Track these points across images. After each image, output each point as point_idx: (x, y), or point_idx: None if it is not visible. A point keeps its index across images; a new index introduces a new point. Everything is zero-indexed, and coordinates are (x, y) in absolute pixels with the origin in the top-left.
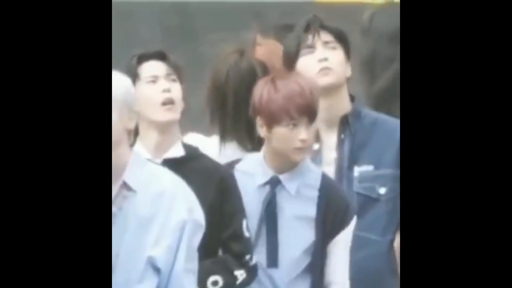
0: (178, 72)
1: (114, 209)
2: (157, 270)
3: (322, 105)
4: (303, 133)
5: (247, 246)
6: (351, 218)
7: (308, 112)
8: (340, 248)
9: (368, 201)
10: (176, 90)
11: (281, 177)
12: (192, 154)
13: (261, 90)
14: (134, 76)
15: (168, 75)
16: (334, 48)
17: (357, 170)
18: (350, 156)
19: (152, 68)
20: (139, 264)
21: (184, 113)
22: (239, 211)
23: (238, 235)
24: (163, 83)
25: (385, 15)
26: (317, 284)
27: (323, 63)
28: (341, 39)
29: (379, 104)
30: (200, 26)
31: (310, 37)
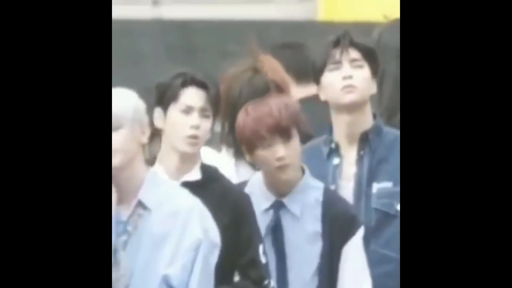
0: (214, 106)
1: (129, 227)
2: None
3: (344, 121)
4: (279, 151)
5: (265, 271)
6: (357, 228)
7: (279, 130)
8: (349, 261)
9: (386, 217)
10: (205, 127)
11: (284, 200)
12: (209, 176)
13: (238, 118)
14: (174, 97)
15: (203, 110)
16: (360, 66)
17: (375, 187)
18: (369, 173)
19: (191, 97)
20: (153, 283)
21: None
22: (255, 236)
23: (255, 261)
24: (195, 118)
25: (392, 33)
26: None
27: (347, 80)
28: (369, 57)
29: (389, 120)
30: (200, 44)
31: (338, 52)
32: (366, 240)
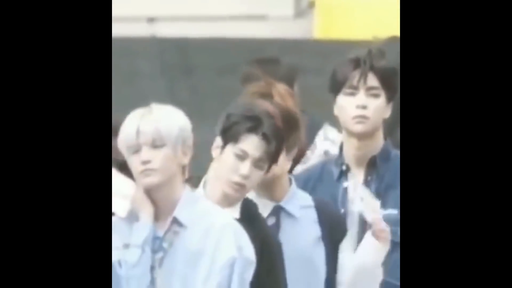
0: (271, 159)
1: (164, 244)
2: None
3: (353, 144)
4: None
5: None
6: (346, 226)
7: None
8: (345, 256)
9: (391, 245)
10: (255, 177)
11: (282, 203)
12: (246, 216)
13: None
14: (235, 137)
15: (258, 160)
16: (376, 95)
17: (382, 213)
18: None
19: (250, 145)
20: None
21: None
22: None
23: None
24: (246, 167)
25: (389, 51)
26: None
27: (361, 110)
28: (388, 82)
29: (390, 135)
30: (197, 61)
31: (356, 77)
32: None
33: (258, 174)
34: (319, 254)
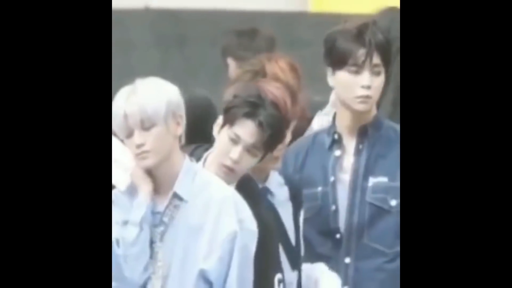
0: (266, 147)
1: (165, 219)
2: (209, 283)
3: (348, 115)
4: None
5: None
6: (302, 202)
7: None
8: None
9: (379, 212)
10: (246, 163)
11: (266, 184)
12: (247, 189)
13: None
14: (231, 120)
15: (250, 146)
16: (379, 73)
17: (371, 181)
18: (366, 167)
19: (244, 130)
20: (191, 276)
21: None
22: (272, 264)
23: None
24: (237, 152)
25: (385, 22)
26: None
27: (365, 91)
28: (387, 59)
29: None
30: (190, 33)
31: (362, 55)
32: (359, 234)
33: (251, 161)
34: (291, 229)
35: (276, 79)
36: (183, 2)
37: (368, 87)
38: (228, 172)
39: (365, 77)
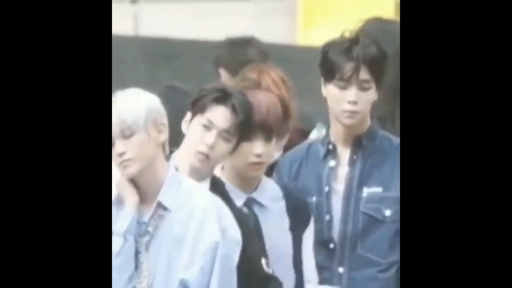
0: (239, 132)
1: (149, 228)
2: None
3: (341, 127)
4: (258, 148)
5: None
6: (311, 216)
7: (263, 128)
8: (309, 246)
9: (373, 222)
10: (220, 149)
11: (254, 195)
12: (215, 191)
13: None
14: (202, 109)
15: (223, 131)
16: (367, 89)
17: (366, 191)
18: (360, 177)
19: (216, 115)
20: (173, 286)
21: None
22: (257, 251)
23: (259, 273)
24: (211, 137)
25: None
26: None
27: (351, 106)
28: (377, 74)
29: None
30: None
31: (349, 70)
32: (353, 244)
33: (225, 147)
34: (289, 244)
35: (275, 89)
36: (172, 29)
37: (355, 103)
38: (203, 159)
39: (351, 92)
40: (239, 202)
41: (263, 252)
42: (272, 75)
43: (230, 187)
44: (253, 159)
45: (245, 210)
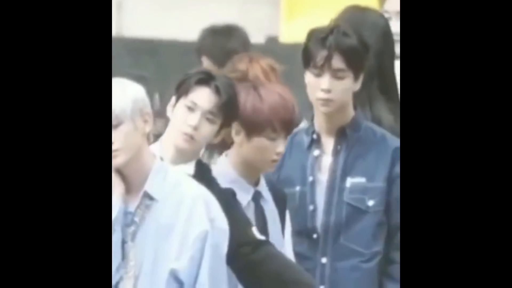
0: (223, 114)
1: (136, 218)
2: (180, 282)
3: (322, 116)
4: (281, 146)
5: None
6: (287, 207)
7: (289, 127)
8: (289, 238)
9: (356, 212)
10: (205, 131)
11: (259, 187)
12: (201, 175)
13: (244, 97)
14: (185, 91)
15: (207, 113)
16: (342, 77)
17: (349, 181)
18: (344, 167)
19: (200, 96)
20: (162, 276)
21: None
22: (245, 222)
23: (253, 241)
24: (195, 118)
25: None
26: None
27: (325, 94)
28: (354, 64)
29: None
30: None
31: (322, 58)
32: (336, 234)
33: (209, 128)
34: (280, 235)
35: (264, 78)
36: (154, 18)
37: (328, 91)
38: (188, 140)
39: (325, 80)
40: (247, 197)
41: (250, 223)
42: (262, 63)
43: (235, 177)
44: (275, 157)
45: (252, 205)
